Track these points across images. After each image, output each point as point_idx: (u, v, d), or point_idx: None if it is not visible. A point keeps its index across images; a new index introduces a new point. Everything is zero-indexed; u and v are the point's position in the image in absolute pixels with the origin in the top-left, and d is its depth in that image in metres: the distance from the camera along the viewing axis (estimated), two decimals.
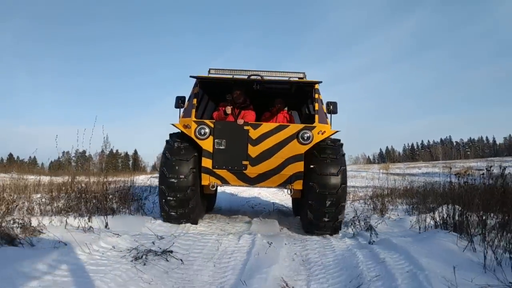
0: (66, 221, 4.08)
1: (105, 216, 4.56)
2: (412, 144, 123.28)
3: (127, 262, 3.17)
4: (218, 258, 3.71)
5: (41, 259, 2.78)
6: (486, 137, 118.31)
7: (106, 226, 4.33)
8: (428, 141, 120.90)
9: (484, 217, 3.61)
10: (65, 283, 2.53)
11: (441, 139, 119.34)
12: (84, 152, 4.80)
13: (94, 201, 4.93)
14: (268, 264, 3.39)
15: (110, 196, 5.41)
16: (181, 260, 3.53)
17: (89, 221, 4.28)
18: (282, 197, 9.68)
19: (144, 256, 3.34)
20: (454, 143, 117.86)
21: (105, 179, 5.42)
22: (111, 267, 2.96)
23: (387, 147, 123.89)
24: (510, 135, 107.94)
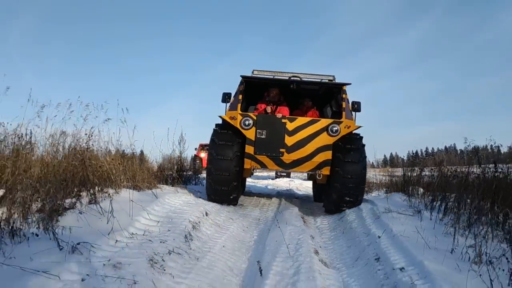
0: (171, 184, 6.56)
1: (183, 185, 7.06)
2: (416, 151, 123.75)
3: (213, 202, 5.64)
4: (261, 206, 6.20)
5: (174, 194, 5.25)
6: (491, 146, 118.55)
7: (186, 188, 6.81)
8: (433, 148, 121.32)
9: (420, 189, 6.07)
10: (191, 203, 5.00)
11: (445, 147, 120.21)
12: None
13: (172, 176, 7.38)
14: (291, 208, 5.86)
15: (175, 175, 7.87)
16: (241, 205, 6.02)
17: (172, 186, 6.77)
18: (295, 186, 12.19)
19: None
20: (459, 151, 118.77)
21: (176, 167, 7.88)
22: (206, 202, 5.42)
23: (391, 153, 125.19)
24: None
